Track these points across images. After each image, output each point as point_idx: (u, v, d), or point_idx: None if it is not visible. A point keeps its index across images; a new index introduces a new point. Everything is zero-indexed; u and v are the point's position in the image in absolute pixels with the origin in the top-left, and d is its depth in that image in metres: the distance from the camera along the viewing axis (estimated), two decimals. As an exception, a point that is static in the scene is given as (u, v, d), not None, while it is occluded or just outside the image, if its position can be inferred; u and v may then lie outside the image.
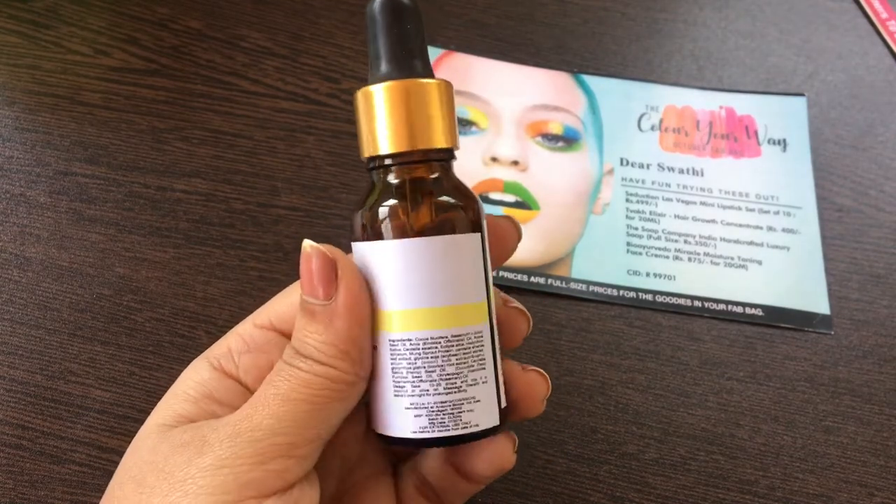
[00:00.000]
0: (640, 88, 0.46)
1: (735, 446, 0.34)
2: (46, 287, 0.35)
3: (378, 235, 0.22)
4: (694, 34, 0.49)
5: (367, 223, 0.22)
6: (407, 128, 0.22)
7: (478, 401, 0.22)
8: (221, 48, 0.43)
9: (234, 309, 0.35)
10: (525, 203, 0.40)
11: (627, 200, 0.42)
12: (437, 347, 0.22)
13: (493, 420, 0.22)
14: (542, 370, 0.25)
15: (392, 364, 0.22)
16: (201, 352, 0.25)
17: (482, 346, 0.22)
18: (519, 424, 0.34)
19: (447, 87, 0.22)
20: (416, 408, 0.22)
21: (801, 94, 0.47)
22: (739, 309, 0.39)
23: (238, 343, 0.24)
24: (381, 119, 0.22)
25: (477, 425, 0.22)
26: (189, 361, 0.24)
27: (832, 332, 0.38)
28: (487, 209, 0.40)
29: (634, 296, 0.38)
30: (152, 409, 0.23)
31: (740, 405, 0.36)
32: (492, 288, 0.23)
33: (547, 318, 0.37)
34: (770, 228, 0.41)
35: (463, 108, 0.43)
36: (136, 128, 0.40)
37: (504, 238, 0.25)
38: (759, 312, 0.38)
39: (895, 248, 0.41)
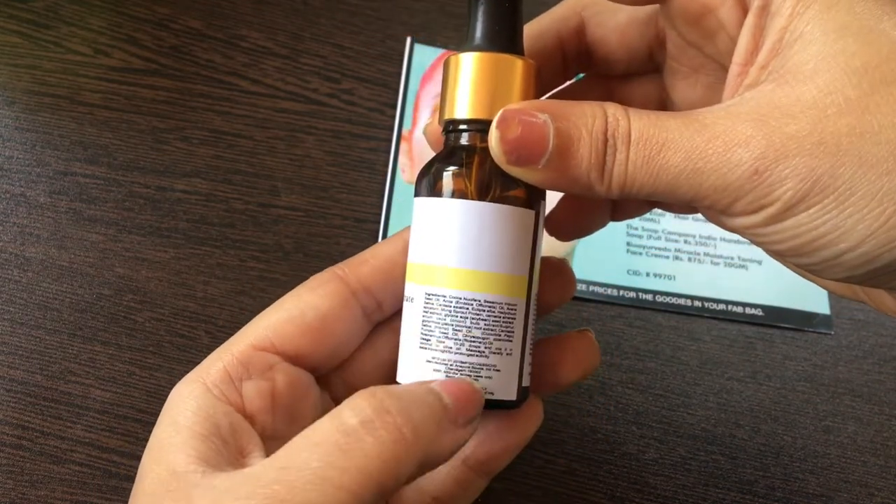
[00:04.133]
0: (640, 88, 0.46)
1: (735, 446, 0.34)
2: (46, 287, 0.35)
3: (439, 193, 0.23)
4: (694, 34, 0.49)
5: (431, 179, 0.23)
6: (486, 97, 0.22)
7: (497, 370, 0.22)
8: (221, 48, 0.43)
9: (234, 309, 0.35)
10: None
11: (627, 200, 0.42)
12: (468, 308, 0.22)
13: (509, 393, 0.23)
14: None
15: (423, 317, 0.22)
16: (201, 352, 0.24)
17: (513, 318, 0.23)
18: (519, 424, 0.34)
19: (533, 67, 0.23)
20: (436, 362, 0.22)
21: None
22: (739, 309, 0.39)
23: (236, 368, 0.22)
24: (463, 86, 0.22)
25: (492, 393, 0.22)
26: (189, 362, 0.24)
27: (832, 332, 0.38)
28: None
29: (634, 296, 0.38)
30: (152, 409, 0.23)
31: (740, 405, 0.36)
32: (537, 268, 0.24)
33: (547, 318, 0.37)
34: (770, 228, 0.41)
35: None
36: (136, 128, 0.40)
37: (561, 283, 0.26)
38: (759, 312, 0.39)
39: None
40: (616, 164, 0.19)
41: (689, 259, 0.40)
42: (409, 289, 0.23)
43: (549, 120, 0.20)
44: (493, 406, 0.22)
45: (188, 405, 0.21)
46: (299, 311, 0.23)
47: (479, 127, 0.22)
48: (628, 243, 0.40)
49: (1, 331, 0.34)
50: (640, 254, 0.40)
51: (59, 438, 0.31)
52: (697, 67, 0.23)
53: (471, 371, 0.22)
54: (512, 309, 0.23)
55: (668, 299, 0.38)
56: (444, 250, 0.22)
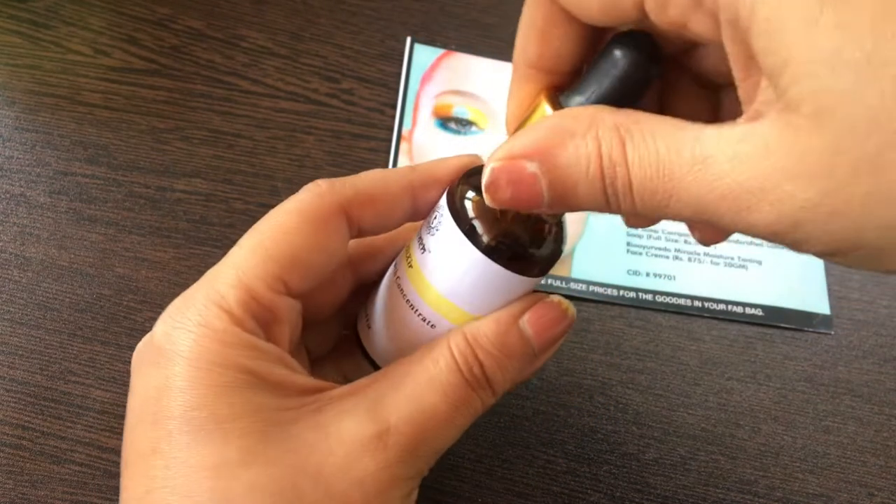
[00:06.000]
0: (640, 88, 0.46)
1: (735, 446, 0.34)
2: (46, 287, 0.35)
3: (466, 233, 0.23)
4: (694, 34, 0.49)
5: (466, 215, 0.23)
6: None
7: None
8: (221, 48, 0.43)
9: (234, 309, 0.35)
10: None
11: (627, 200, 0.42)
12: None
13: None
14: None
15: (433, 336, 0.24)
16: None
17: None
18: (519, 424, 0.34)
19: None
20: None
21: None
22: (739, 309, 0.39)
23: (256, 308, 0.22)
24: None
25: None
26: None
27: (832, 332, 0.38)
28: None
29: (634, 296, 0.38)
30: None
31: (740, 405, 0.36)
32: None
33: (547, 318, 0.37)
34: (770, 228, 0.41)
35: (463, 108, 0.43)
36: (136, 128, 0.40)
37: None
38: (759, 312, 0.38)
39: None
40: (622, 205, 0.18)
41: (689, 259, 0.40)
42: (433, 316, 0.24)
43: (538, 171, 0.19)
44: None
45: (224, 330, 0.21)
46: (306, 250, 0.23)
47: None
48: (628, 243, 0.40)
49: (1, 331, 0.34)
50: (640, 254, 0.40)
51: (59, 438, 0.31)
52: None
53: None
54: None
55: (668, 299, 0.38)
56: (453, 286, 0.23)
